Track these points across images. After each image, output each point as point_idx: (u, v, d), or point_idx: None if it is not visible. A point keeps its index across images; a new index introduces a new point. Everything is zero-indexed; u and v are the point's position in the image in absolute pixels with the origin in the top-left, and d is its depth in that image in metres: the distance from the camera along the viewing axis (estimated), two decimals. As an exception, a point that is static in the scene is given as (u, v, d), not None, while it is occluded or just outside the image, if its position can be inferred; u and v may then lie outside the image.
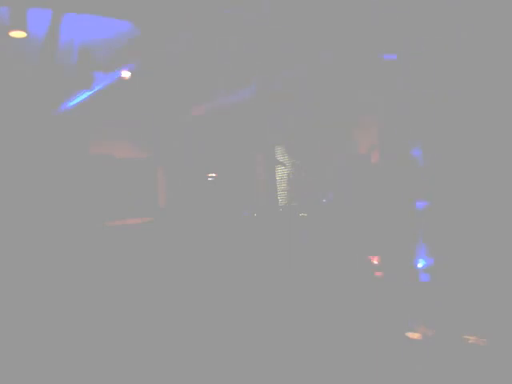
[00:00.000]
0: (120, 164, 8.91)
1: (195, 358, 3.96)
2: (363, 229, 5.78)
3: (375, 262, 5.14)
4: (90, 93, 6.67)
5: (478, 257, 4.86)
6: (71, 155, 8.36)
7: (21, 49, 6.07)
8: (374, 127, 6.75)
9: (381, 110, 6.73)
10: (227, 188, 8.49)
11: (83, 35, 6.02)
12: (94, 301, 5.57)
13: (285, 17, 5.54)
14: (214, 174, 8.41)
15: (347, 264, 5.65)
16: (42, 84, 6.86)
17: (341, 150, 7.40)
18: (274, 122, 8.71)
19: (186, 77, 8.16)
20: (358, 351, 3.71)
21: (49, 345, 4.49)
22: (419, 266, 5.26)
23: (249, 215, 6.67)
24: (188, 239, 6.61)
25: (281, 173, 9.03)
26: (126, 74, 6.37)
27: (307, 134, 8.11)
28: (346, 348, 3.80)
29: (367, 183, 5.27)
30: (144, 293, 5.81)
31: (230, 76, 7.51)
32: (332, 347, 3.84)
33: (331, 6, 5.25)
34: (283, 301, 5.00)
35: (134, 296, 5.75)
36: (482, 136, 4.89)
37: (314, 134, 7.96)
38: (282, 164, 8.72)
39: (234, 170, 9.37)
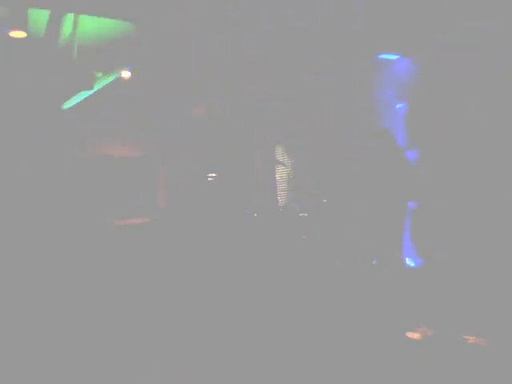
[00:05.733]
0: (119, 164, 8.91)
1: (196, 358, 3.96)
2: (363, 229, 5.78)
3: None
4: (90, 93, 6.67)
5: (478, 257, 4.87)
6: (71, 155, 8.35)
7: (21, 49, 6.07)
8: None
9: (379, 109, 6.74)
10: (227, 188, 8.49)
11: (83, 35, 6.02)
12: (93, 301, 5.57)
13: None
14: (214, 174, 8.40)
15: (347, 264, 5.65)
16: (43, 84, 6.85)
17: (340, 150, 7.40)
18: (274, 122, 8.72)
19: (185, 77, 8.16)
20: (358, 351, 3.71)
21: (50, 343, 4.49)
22: (419, 266, 5.26)
23: (249, 214, 6.67)
24: (188, 239, 6.61)
25: (281, 173, 9.03)
26: (125, 74, 6.38)
27: (306, 134, 8.11)
28: (345, 348, 3.80)
29: (364, 184, 5.27)
30: (144, 293, 5.81)
31: (230, 76, 7.51)
32: (332, 347, 3.85)
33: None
34: (283, 300, 5.00)
35: (135, 296, 5.75)
36: (474, 137, 4.90)
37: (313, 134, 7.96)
38: (282, 164, 8.72)
39: (234, 170, 9.37)
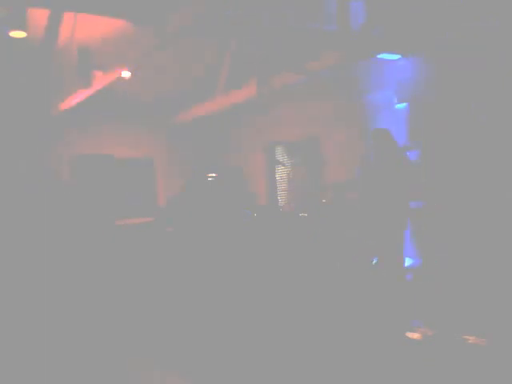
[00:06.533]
0: (120, 164, 8.90)
1: (196, 358, 3.96)
2: (362, 228, 5.78)
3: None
4: (90, 93, 6.67)
5: (478, 257, 4.87)
6: (71, 155, 8.36)
7: (21, 49, 6.07)
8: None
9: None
10: (227, 188, 8.49)
11: (83, 35, 6.03)
12: (93, 301, 5.57)
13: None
14: (214, 174, 8.40)
15: (347, 264, 5.65)
16: (42, 84, 6.85)
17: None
18: (274, 122, 8.72)
19: (185, 76, 8.17)
20: (358, 351, 3.71)
21: (51, 343, 4.49)
22: (419, 266, 5.26)
23: (249, 214, 6.67)
24: (188, 239, 6.61)
25: (281, 173, 9.03)
26: (125, 74, 6.37)
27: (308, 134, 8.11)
28: (346, 348, 3.80)
29: (364, 183, 5.27)
30: (144, 294, 5.81)
31: (230, 75, 7.51)
32: (332, 347, 3.84)
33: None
34: (283, 300, 5.00)
35: (135, 297, 5.75)
36: (474, 137, 4.90)
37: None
38: (282, 164, 8.72)
39: (233, 170, 9.36)
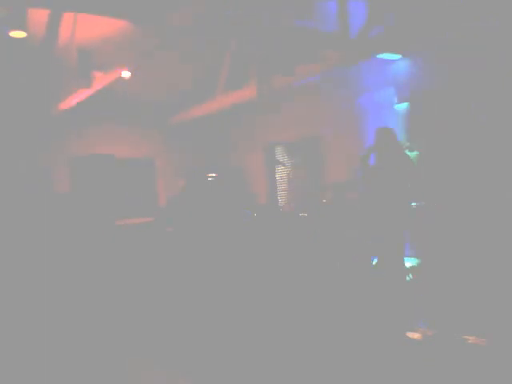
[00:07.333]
0: (120, 164, 8.90)
1: (196, 358, 3.96)
2: (362, 228, 5.78)
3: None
4: (90, 93, 6.67)
5: (478, 257, 4.87)
6: (71, 155, 8.36)
7: (21, 49, 6.07)
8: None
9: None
10: (227, 188, 8.49)
11: (83, 35, 6.03)
12: (93, 301, 5.57)
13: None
14: (214, 174, 8.40)
15: (347, 264, 5.65)
16: (42, 84, 6.85)
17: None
18: (273, 122, 8.72)
19: (185, 76, 8.17)
20: (358, 351, 3.71)
21: (51, 344, 4.49)
22: (418, 265, 5.27)
23: (249, 214, 6.67)
24: (188, 239, 6.61)
25: (281, 173, 9.03)
26: (125, 74, 6.37)
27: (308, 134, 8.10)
28: (346, 348, 3.80)
29: (364, 184, 5.27)
30: (144, 293, 5.81)
31: (230, 75, 7.51)
32: (332, 347, 3.84)
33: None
34: (283, 300, 5.00)
35: (135, 297, 5.75)
36: (474, 137, 4.91)
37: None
38: (282, 164, 8.72)
39: (233, 170, 9.36)
